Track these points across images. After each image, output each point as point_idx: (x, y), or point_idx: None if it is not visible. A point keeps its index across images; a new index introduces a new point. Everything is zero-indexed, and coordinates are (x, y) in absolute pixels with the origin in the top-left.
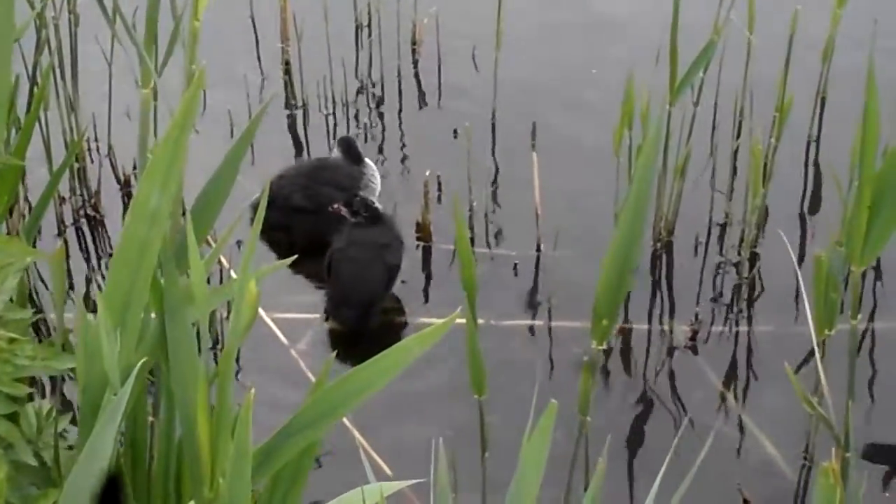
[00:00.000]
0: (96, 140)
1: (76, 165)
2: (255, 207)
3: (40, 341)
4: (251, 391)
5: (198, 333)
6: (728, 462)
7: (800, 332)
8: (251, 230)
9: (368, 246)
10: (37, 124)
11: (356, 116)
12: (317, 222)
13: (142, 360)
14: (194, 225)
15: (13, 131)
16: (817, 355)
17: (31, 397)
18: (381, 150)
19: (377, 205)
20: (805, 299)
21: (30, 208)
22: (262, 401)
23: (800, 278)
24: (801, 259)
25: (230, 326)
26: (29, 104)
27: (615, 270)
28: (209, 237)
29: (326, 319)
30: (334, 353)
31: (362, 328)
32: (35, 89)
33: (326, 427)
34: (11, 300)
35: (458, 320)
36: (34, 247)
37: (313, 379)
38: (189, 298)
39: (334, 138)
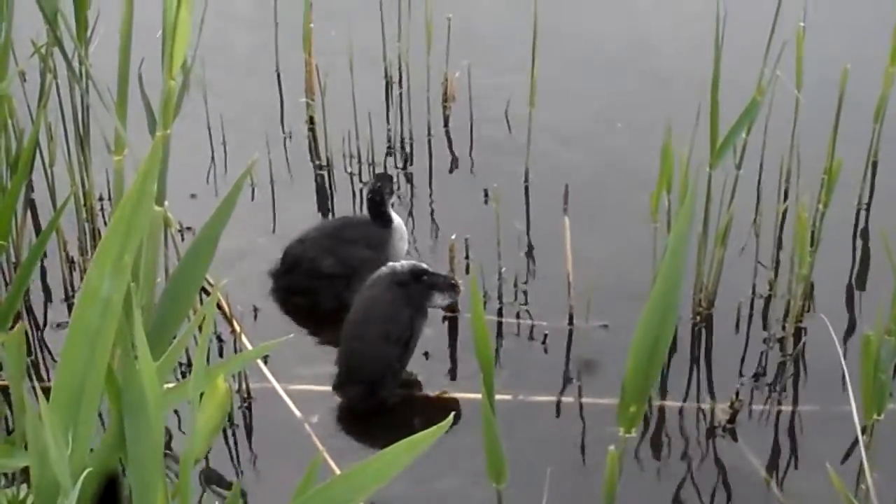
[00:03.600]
0: (109, 200)
1: (88, 226)
2: (273, 275)
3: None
4: None
5: None
6: None
7: (848, 413)
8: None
9: (378, 319)
10: (45, 181)
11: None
12: (347, 285)
13: (86, 470)
14: (167, 308)
15: None
16: (861, 446)
17: (12, 479)
18: (410, 213)
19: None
20: (849, 383)
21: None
22: (271, 477)
23: (842, 362)
24: (849, 334)
25: (187, 437)
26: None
27: (645, 352)
28: (224, 302)
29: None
30: (322, 450)
31: (370, 406)
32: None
33: None
34: None
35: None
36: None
37: (327, 455)
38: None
39: (360, 199)
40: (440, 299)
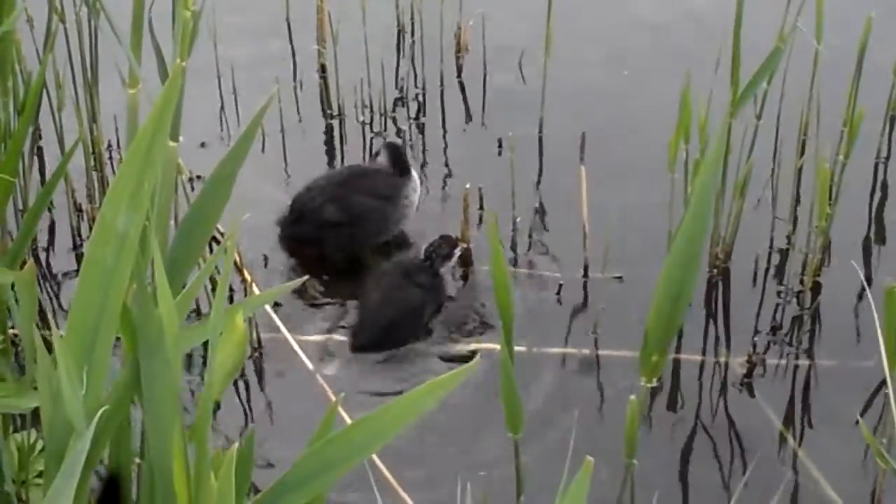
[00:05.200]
0: (118, 147)
1: (96, 175)
2: (281, 224)
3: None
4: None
5: None
6: None
7: (865, 368)
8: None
9: (401, 273)
10: (53, 131)
11: (395, 125)
12: (351, 235)
13: (102, 409)
14: (178, 253)
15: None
16: (892, 397)
17: (20, 425)
18: (421, 163)
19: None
20: (879, 333)
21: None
22: (283, 428)
23: (873, 309)
24: (869, 287)
25: (207, 374)
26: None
27: (668, 301)
28: (235, 252)
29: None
30: (341, 396)
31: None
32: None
33: (326, 484)
34: None
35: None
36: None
37: (339, 407)
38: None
39: (371, 148)
40: (453, 260)
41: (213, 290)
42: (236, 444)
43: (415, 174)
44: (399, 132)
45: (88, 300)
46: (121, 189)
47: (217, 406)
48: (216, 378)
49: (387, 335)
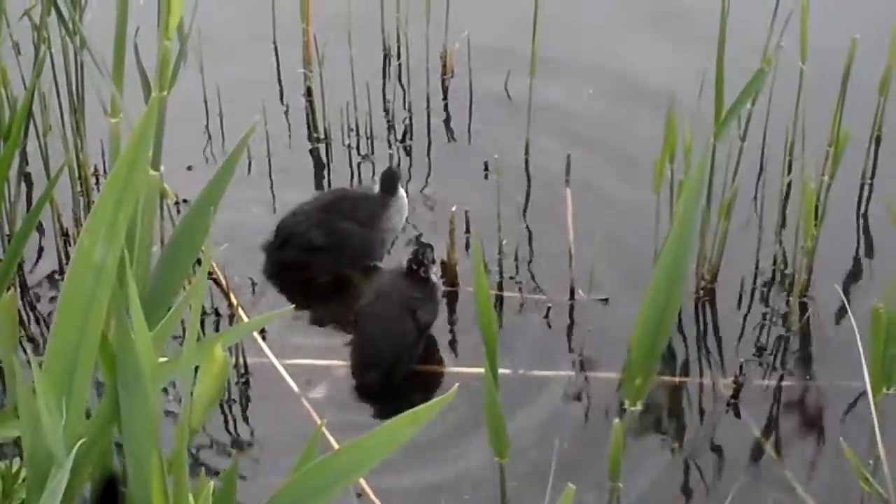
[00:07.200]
0: (104, 172)
1: (82, 200)
2: (266, 249)
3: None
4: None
5: None
6: None
7: (852, 388)
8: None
9: (396, 301)
10: (40, 158)
11: (382, 148)
12: (337, 259)
13: (80, 441)
14: (163, 277)
15: None
16: (875, 419)
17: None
18: (407, 185)
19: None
20: (862, 355)
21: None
22: (269, 452)
23: (855, 330)
24: (854, 308)
25: (183, 407)
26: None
27: (652, 322)
28: (221, 276)
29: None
30: (324, 421)
31: (387, 387)
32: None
33: None
34: None
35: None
36: (26, 286)
37: (325, 430)
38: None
39: (358, 171)
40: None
41: (202, 313)
42: (213, 481)
43: (402, 193)
44: (384, 155)
45: (67, 330)
46: (99, 219)
47: (203, 430)
48: (195, 410)
49: (391, 372)
